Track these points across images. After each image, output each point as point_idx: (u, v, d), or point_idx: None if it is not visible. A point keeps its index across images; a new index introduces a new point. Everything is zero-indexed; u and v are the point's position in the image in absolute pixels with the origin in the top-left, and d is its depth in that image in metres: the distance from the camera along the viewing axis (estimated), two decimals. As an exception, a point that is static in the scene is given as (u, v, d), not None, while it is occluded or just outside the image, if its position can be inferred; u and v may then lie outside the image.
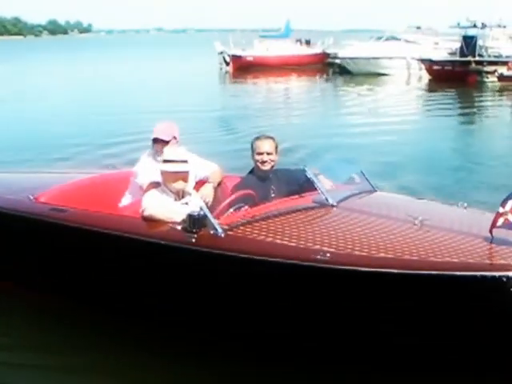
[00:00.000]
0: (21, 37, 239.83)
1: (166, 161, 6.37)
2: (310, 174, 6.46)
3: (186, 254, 5.70)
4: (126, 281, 6.27)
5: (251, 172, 6.97)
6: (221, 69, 50.00)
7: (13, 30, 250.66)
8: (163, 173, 6.38)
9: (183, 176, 6.35)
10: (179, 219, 5.93)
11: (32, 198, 6.91)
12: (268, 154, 6.81)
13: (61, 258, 6.70)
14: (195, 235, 5.67)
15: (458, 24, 41.45)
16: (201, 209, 5.78)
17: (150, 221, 6.10)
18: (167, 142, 6.94)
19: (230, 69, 48.68)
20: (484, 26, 40.54)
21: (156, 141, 7.02)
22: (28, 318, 6.87)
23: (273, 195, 6.71)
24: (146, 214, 6.13)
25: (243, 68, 47.23)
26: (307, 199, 6.37)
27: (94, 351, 6.23)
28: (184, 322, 6.14)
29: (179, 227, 5.84)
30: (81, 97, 30.90)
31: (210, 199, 6.79)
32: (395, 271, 5.00)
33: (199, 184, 6.98)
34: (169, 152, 6.47)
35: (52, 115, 23.86)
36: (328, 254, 5.23)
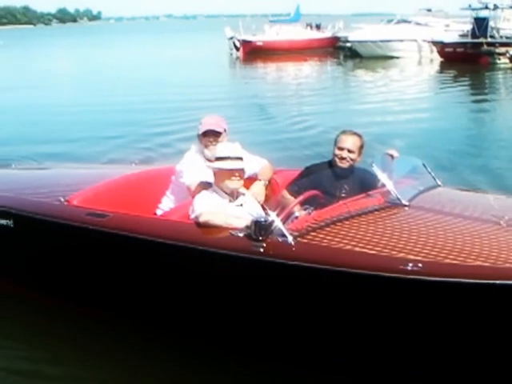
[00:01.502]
0: (31, 26, 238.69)
1: (219, 158, 5.68)
2: (377, 171, 5.76)
3: (253, 264, 4.94)
4: (179, 295, 5.53)
5: (328, 164, 6.34)
6: (231, 54, 49.25)
7: (22, 19, 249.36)
8: (216, 171, 5.69)
9: (239, 174, 5.66)
10: (240, 224, 5.20)
11: (63, 200, 6.22)
12: (349, 151, 6.18)
13: (101, 270, 5.95)
14: (263, 243, 4.90)
15: (470, 6, 40.62)
16: (267, 213, 5.07)
17: (206, 227, 5.35)
18: (219, 135, 6.30)
19: (240, 54, 47.93)
20: (496, 7, 39.57)
21: (206, 134, 6.32)
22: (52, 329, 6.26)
23: (343, 195, 6.01)
24: (202, 219, 5.37)
25: (253, 53, 46.36)
26: (377, 199, 5.64)
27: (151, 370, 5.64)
28: (249, 339, 5.39)
29: (241, 234, 5.08)
30: (91, 85, 30.06)
31: (261, 198, 6.20)
32: (501, 282, 4.28)
33: (248, 181, 6.23)
34: (222, 148, 5.78)
35: (67, 105, 23.03)
36: (420, 264, 4.49)
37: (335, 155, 6.21)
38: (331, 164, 6.29)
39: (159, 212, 6.53)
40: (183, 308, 5.60)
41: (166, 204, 6.59)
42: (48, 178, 7.87)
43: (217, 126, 6.32)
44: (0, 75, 38.08)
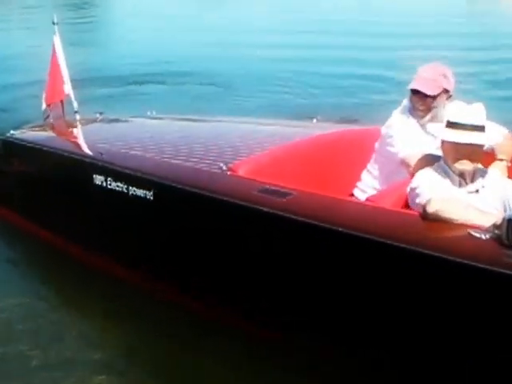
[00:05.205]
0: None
1: (451, 124, 4.80)
2: None
3: (503, 281, 4.09)
4: (392, 310, 4.69)
5: None
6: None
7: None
8: (446, 143, 4.82)
9: (476, 151, 4.76)
10: (483, 221, 4.33)
11: (225, 168, 5.62)
12: None
13: (273, 266, 5.23)
14: None
15: None
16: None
17: (436, 221, 4.49)
18: (430, 100, 5.44)
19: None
20: None
21: (414, 92, 5.50)
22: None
23: None
24: (431, 209, 4.45)
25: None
26: None
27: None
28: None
29: (486, 236, 4.20)
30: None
31: None
32: None
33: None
34: (456, 110, 4.82)
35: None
36: None
37: None
38: None
39: (359, 194, 5.89)
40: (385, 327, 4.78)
41: (368, 182, 5.92)
42: (200, 134, 7.52)
43: (431, 85, 5.42)
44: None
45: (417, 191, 4.74)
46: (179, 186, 5.67)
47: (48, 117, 7.66)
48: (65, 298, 6.66)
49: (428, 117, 5.46)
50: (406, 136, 5.51)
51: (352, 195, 5.89)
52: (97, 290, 6.47)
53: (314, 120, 7.61)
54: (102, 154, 6.42)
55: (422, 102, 5.47)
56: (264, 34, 22.33)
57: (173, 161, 6.11)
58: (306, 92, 14.56)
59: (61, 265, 6.96)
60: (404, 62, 13.97)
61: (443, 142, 4.87)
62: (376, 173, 5.90)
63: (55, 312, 6.29)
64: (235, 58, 18.59)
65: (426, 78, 5.46)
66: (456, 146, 4.75)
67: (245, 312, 5.58)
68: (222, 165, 5.65)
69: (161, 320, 5.93)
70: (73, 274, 6.76)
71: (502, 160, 5.32)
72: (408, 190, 4.90)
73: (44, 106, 7.54)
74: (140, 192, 5.87)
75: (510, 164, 5.35)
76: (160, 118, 8.56)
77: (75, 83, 7.29)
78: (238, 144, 6.52)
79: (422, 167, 5.01)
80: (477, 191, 4.80)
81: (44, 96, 7.49)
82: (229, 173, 5.58)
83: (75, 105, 7.12)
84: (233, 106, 13.02)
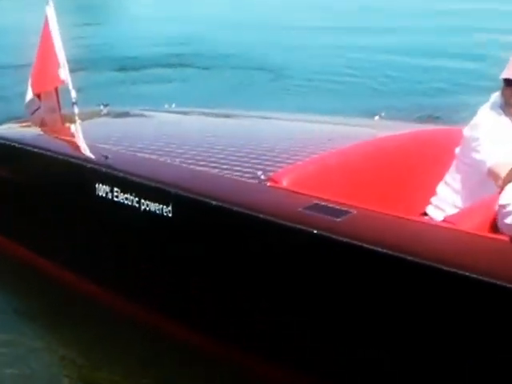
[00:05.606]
0: None
1: None
2: None
3: None
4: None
5: None
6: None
7: None
8: None
9: None
10: None
11: (264, 178, 5.52)
12: None
13: (328, 296, 5.08)
14: None
15: None
16: None
17: None
18: None
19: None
20: None
21: (509, 84, 5.35)
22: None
23: None
24: None
25: None
26: None
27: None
28: None
29: None
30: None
31: None
32: None
33: None
34: None
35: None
36: None
37: None
38: None
39: (434, 212, 5.74)
40: None
41: (446, 197, 5.77)
42: (233, 133, 7.50)
43: None
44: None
45: (508, 209, 4.62)
46: (205, 200, 5.51)
47: (37, 109, 7.53)
48: (59, 333, 6.65)
49: None
50: (496, 139, 5.34)
51: (425, 214, 5.72)
52: (92, 323, 6.51)
53: (377, 117, 7.42)
54: (106, 157, 6.27)
55: None
56: (325, 13, 22.42)
57: (197, 168, 5.99)
58: (370, 81, 14.56)
59: (53, 294, 6.92)
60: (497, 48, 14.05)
61: None
62: (457, 186, 5.72)
63: (48, 351, 6.37)
64: (289, 39, 18.50)
65: None
66: None
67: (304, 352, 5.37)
68: (260, 173, 5.54)
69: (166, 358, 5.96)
70: (68, 305, 6.74)
71: None
72: (496, 207, 4.75)
73: (30, 95, 7.31)
74: (155, 206, 5.77)
75: None
76: (181, 113, 8.51)
77: (73, 66, 7.12)
78: (281, 147, 6.38)
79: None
80: None
81: (30, 82, 7.27)
82: (269, 184, 5.47)
83: (73, 94, 6.95)
84: (277, 97, 12.99)
